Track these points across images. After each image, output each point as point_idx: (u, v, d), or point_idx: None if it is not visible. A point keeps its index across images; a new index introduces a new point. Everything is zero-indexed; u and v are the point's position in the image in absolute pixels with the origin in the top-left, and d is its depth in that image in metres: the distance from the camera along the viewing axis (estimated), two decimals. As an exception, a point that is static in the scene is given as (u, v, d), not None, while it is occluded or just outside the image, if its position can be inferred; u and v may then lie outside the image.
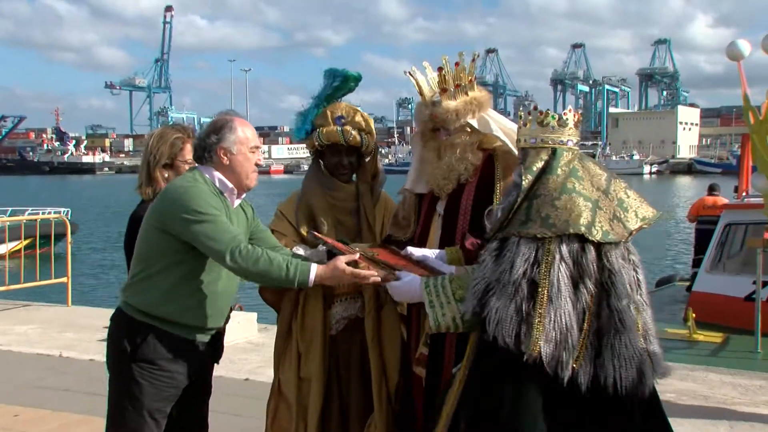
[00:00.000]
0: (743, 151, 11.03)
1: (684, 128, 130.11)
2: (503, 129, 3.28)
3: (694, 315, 9.26)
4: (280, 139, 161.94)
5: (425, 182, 3.38)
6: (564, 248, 2.51)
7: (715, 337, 9.20)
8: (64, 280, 10.40)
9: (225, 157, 3.15)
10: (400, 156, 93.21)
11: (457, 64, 3.26)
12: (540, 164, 2.66)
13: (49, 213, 15.66)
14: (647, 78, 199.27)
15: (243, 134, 3.18)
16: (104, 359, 3.25)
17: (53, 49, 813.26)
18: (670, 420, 2.72)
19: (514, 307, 2.46)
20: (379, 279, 3.01)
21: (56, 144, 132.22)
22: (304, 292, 3.58)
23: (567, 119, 2.72)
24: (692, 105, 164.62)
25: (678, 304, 11.00)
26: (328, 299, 3.58)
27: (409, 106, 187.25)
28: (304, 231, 3.59)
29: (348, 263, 3.02)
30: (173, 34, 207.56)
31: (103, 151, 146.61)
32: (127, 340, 3.08)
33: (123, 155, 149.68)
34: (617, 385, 2.48)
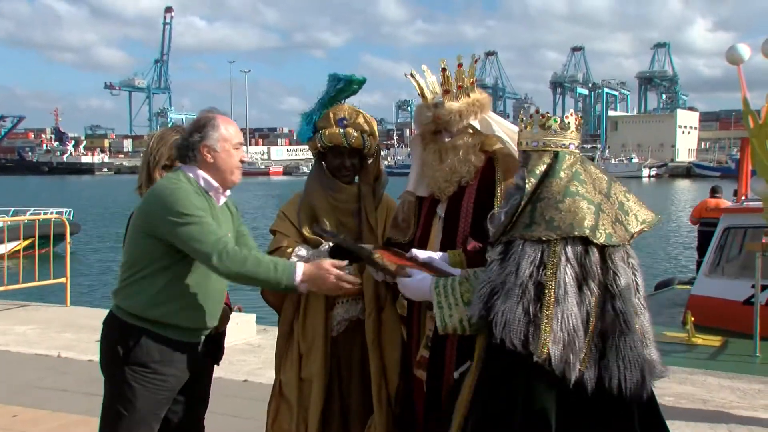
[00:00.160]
0: (742, 155, 11.04)
1: (683, 132, 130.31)
2: (505, 131, 3.29)
3: (692, 318, 9.26)
4: (279, 140, 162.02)
5: (426, 185, 3.37)
6: (569, 250, 2.52)
7: (714, 340, 9.20)
8: (62, 280, 10.39)
9: (209, 155, 3.13)
10: (399, 158, 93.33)
11: (459, 65, 3.26)
12: (543, 167, 2.67)
13: (52, 213, 15.65)
14: (646, 81, 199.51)
15: (226, 131, 3.16)
16: (103, 360, 3.24)
17: (53, 49, 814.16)
18: (669, 423, 2.73)
19: (521, 309, 2.47)
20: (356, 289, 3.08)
21: (55, 144, 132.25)
22: (305, 294, 3.59)
23: (569, 123, 2.73)
24: (691, 108, 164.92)
25: (677, 308, 10.99)
26: (330, 300, 3.59)
27: (409, 108, 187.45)
28: (306, 232, 3.59)
29: (337, 268, 3.05)
30: (173, 35, 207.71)
31: (102, 151, 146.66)
32: (119, 343, 3.06)
33: (122, 156, 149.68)
34: (621, 386, 2.49)
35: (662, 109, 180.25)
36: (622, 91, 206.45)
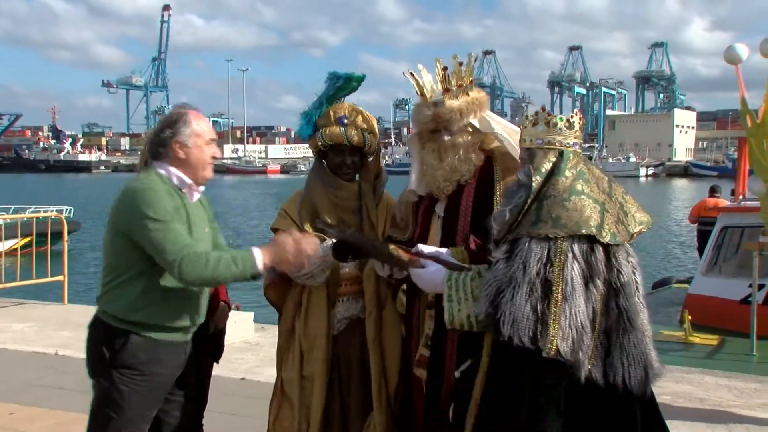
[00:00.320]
0: (740, 154, 11.06)
1: (680, 131, 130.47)
2: (503, 129, 3.29)
3: (690, 317, 9.28)
4: (276, 139, 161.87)
5: (425, 184, 3.37)
6: (575, 247, 2.54)
7: (711, 339, 9.22)
8: (60, 278, 10.39)
9: (181, 151, 3.09)
10: (396, 157, 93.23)
11: (460, 64, 3.26)
12: (548, 165, 2.68)
13: (52, 211, 15.63)
14: (644, 81, 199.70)
15: (198, 127, 3.13)
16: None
17: (50, 47, 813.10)
18: (666, 422, 2.74)
19: (529, 306, 2.48)
20: (311, 251, 3.04)
21: (52, 142, 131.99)
22: (308, 291, 3.59)
23: (574, 122, 2.76)
24: (689, 108, 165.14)
25: (674, 306, 11.01)
26: (332, 298, 3.59)
27: (406, 107, 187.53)
28: (308, 228, 3.60)
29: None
30: (170, 33, 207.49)
31: (100, 149, 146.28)
32: (105, 347, 3.03)
33: (119, 154, 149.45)
34: (626, 383, 2.51)
35: (660, 108, 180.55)
36: (620, 90, 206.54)
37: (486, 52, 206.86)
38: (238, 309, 8.02)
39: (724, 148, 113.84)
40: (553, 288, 2.50)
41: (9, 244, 15.76)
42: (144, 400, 3.06)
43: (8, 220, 12.93)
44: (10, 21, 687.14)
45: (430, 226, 3.38)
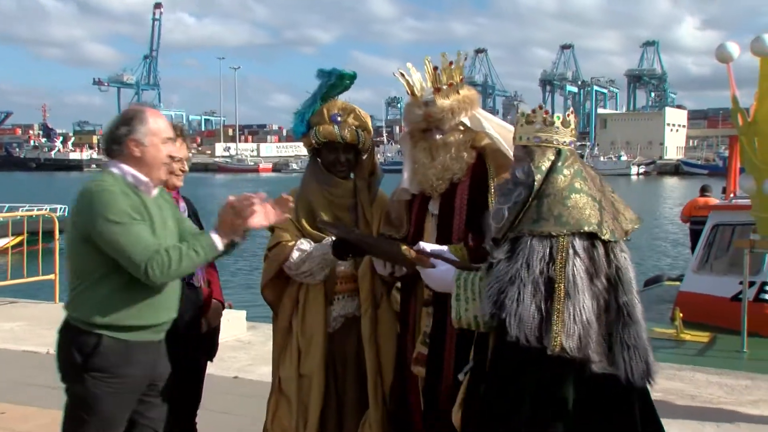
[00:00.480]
0: (731, 152, 11.11)
1: (671, 130, 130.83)
2: (495, 127, 3.30)
3: (681, 315, 9.32)
4: (268, 137, 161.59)
5: (417, 182, 3.37)
6: (577, 244, 2.56)
7: (702, 336, 9.26)
8: (51, 277, 10.35)
9: (136, 149, 3.03)
10: (389, 155, 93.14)
11: (450, 63, 3.27)
12: (547, 164, 2.70)
13: (46, 210, 15.57)
14: (635, 79, 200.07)
15: (155, 125, 3.07)
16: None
17: (40, 44, 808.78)
18: (658, 419, 2.77)
19: (534, 306, 2.50)
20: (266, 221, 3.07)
21: (43, 140, 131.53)
22: (305, 289, 3.60)
23: (569, 120, 2.78)
24: (680, 107, 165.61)
25: (665, 304, 11.06)
26: (329, 296, 3.60)
27: (398, 105, 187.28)
28: (306, 225, 3.60)
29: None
30: (162, 31, 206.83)
31: (91, 147, 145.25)
32: (76, 351, 2.98)
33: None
34: (629, 377, 2.54)
35: (651, 107, 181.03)
36: (612, 88, 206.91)
37: (478, 51, 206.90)
38: (230, 307, 7.98)
39: (714, 147, 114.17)
40: (556, 285, 2.52)
41: (1, 243, 15.73)
42: (118, 401, 3.02)
43: (0, 219, 12.87)
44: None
45: (424, 224, 3.38)
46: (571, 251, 2.54)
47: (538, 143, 2.73)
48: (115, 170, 3.04)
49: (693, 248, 12.82)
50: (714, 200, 13.42)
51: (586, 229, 2.57)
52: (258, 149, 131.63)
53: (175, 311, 3.20)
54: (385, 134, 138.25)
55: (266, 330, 8.00)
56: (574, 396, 2.56)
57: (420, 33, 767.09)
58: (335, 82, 3.64)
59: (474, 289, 2.72)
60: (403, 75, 3.33)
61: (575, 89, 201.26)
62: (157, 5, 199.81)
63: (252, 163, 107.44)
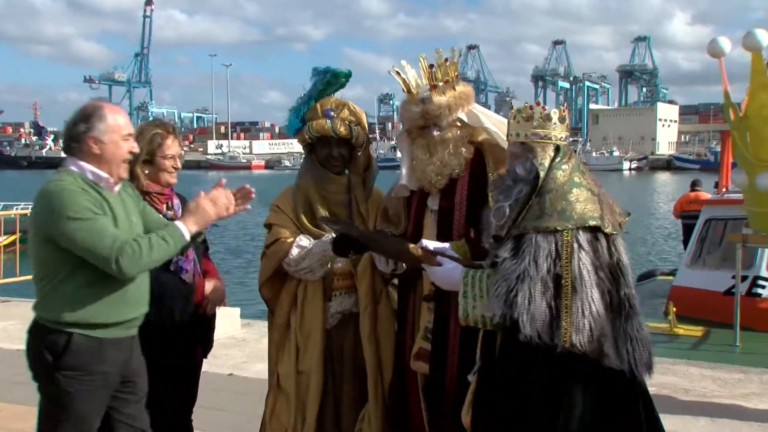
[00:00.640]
0: (723, 147, 11.17)
1: (663, 125, 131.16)
2: (492, 122, 3.31)
3: (674, 309, 9.36)
4: (260, 134, 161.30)
5: (416, 179, 3.36)
6: (581, 238, 2.57)
7: (696, 330, 9.30)
8: (44, 275, 10.29)
9: (95, 146, 2.98)
10: (381, 152, 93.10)
11: (445, 60, 3.27)
12: (548, 160, 2.71)
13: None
14: (627, 75, 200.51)
15: (114, 122, 3.01)
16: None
17: (29, 42, 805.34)
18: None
19: (545, 303, 2.51)
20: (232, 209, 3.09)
21: (34, 139, 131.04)
22: (303, 286, 3.59)
23: (564, 116, 2.80)
24: (671, 102, 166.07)
25: (659, 298, 11.10)
26: (327, 293, 3.60)
27: (391, 102, 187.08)
28: (305, 221, 3.60)
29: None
30: (153, 29, 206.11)
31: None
32: (47, 351, 2.94)
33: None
34: (633, 368, 2.56)
35: (642, 102, 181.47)
36: (603, 84, 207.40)
37: (470, 47, 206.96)
38: (224, 305, 8.00)
39: (706, 142, 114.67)
40: (563, 281, 2.52)
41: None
42: (92, 399, 2.99)
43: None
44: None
45: (423, 221, 3.38)
46: (575, 245, 2.55)
47: (538, 139, 2.74)
48: (73, 168, 3.00)
49: (685, 242, 12.89)
50: (705, 194, 13.50)
51: (590, 223, 2.59)
52: (250, 146, 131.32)
53: (146, 306, 3.16)
54: (377, 131, 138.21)
55: (261, 327, 8.00)
56: (583, 394, 2.57)
57: (412, 29, 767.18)
58: (330, 80, 3.64)
59: (482, 287, 2.71)
60: (398, 73, 3.33)
61: (567, 85, 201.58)
62: (148, 2, 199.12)
63: (244, 161, 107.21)
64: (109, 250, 2.84)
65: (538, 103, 2.81)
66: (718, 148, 15.32)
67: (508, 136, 2.87)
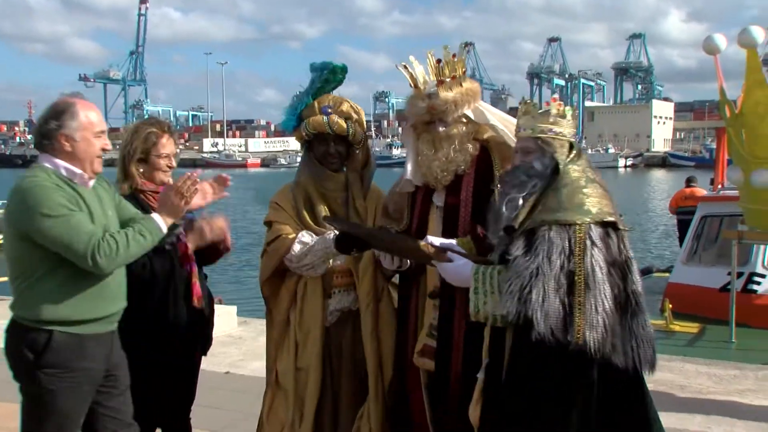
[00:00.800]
0: (719, 144, 11.18)
1: (658, 122, 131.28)
2: (498, 119, 3.31)
3: (670, 306, 9.37)
4: (256, 132, 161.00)
5: (421, 175, 3.36)
6: (594, 234, 2.57)
7: (692, 327, 9.32)
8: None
9: (67, 144, 2.95)
10: (376, 149, 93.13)
11: (453, 56, 3.28)
12: (565, 156, 2.73)
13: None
14: (622, 72, 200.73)
15: (86, 119, 2.98)
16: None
17: (24, 40, 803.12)
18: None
19: (558, 300, 2.50)
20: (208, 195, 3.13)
21: (29, 137, 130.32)
22: (303, 283, 3.59)
23: (575, 114, 2.83)
24: (666, 99, 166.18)
25: (655, 295, 11.10)
26: (327, 290, 3.60)
27: (386, 99, 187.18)
28: (306, 217, 3.60)
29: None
30: (148, 27, 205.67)
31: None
32: (27, 349, 2.92)
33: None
34: (637, 367, 2.57)
35: (638, 99, 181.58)
36: (599, 81, 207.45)
37: (465, 44, 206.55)
38: (220, 302, 8.00)
39: (701, 139, 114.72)
40: (576, 278, 2.52)
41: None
42: (75, 395, 2.97)
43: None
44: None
45: (428, 217, 3.37)
46: (588, 242, 2.55)
47: (553, 135, 2.75)
48: (47, 164, 2.97)
49: (681, 239, 12.91)
50: (700, 190, 13.53)
51: (608, 218, 2.60)
52: (246, 144, 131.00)
53: (123, 300, 3.14)
54: (373, 129, 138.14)
55: (257, 325, 8.00)
56: (595, 392, 2.56)
57: (407, 27, 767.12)
58: (328, 77, 3.64)
59: (492, 283, 2.70)
60: (406, 67, 3.32)
61: (562, 82, 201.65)
62: (143, 0, 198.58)
63: (240, 159, 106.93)
64: (84, 247, 2.82)
65: (554, 99, 2.83)
66: (713, 145, 15.39)
67: (519, 130, 2.86)
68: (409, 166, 3.39)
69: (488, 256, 2.87)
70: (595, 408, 2.57)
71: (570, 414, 2.55)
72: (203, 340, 3.77)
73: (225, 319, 7.86)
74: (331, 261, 3.55)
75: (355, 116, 3.65)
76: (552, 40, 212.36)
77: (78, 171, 2.98)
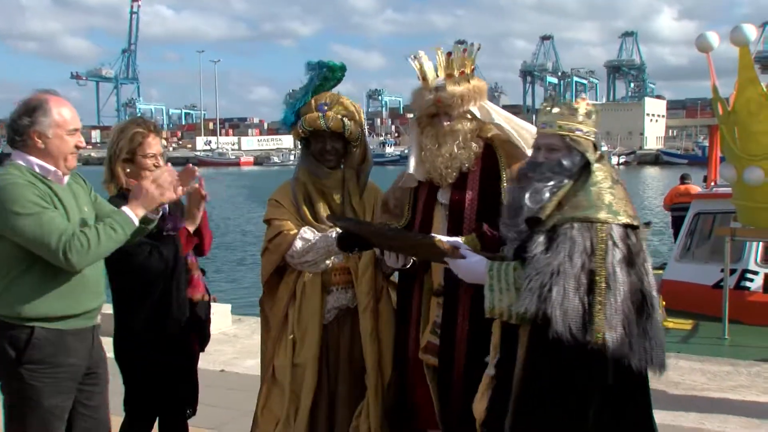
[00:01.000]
0: (711, 141, 11.21)
1: (651, 120, 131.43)
2: (504, 118, 3.32)
3: (664, 302, 9.38)
4: (249, 130, 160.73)
5: (425, 171, 3.34)
6: (615, 234, 2.56)
7: (685, 324, 9.37)
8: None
9: (39, 141, 2.92)
10: (370, 147, 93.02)
11: (464, 51, 3.28)
12: (593, 156, 2.73)
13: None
14: (615, 70, 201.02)
15: (59, 116, 2.94)
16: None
17: (15, 38, 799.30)
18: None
19: (578, 299, 2.49)
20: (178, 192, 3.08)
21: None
22: (302, 281, 3.60)
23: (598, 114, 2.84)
24: (659, 97, 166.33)
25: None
26: (326, 287, 3.60)
27: (379, 97, 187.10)
28: (307, 214, 3.60)
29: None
30: (140, 25, 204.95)
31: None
32: (9, 346, 2.91)
33: (90, 147, 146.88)
34: (648, 367, 2.59)
35: (630, 97, 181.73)
36: (591, 79, 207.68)
37: (458, 42, 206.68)
38: (215, 301, 7.96)
39: (693, 136, 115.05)
40: (596, 278, 2.51)
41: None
42: (57, 391, 2.97)
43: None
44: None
45: (433, 214, 3.36)
46: (610, 242, 2.54)
47: (582, 135, 2.74)
48: (20, 162, 2.95)
49: (675, 235, 12.98)
50: (695, 187, 13.62)
51: (632, 221, 2.60)
52: (239, 143, 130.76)
53: (102, 295, 3.13)
54: (365, 127, 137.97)
55: (252, 323, 8.00)
56: (610, 389, 2.57)
57: (400, 25, 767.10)
58: (327, 75, 3.65)
59: (508, 279, 2.67)
60: (415, 59, 3.32)
61: (555, 80, 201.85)
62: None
63: (233, 157, 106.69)
64: (56, 244, 2.80)
65: (583, 98, 2.82)
66: (706, 143, 15.44)
67: (542, 126, 2.82)
68: (412, 161, 3.37)
69: (500, 250, 2.85)
70: (612, 406, 2.58)
71: (587, 414, 2.55)
72: (201, 337, 3.77)
73: (219, 317, 7.84)
74: (332, 259, 3.55)
75: (351, 114, 3.65)
76: (545, 38, 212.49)
77: (51, 168, 2.96)
